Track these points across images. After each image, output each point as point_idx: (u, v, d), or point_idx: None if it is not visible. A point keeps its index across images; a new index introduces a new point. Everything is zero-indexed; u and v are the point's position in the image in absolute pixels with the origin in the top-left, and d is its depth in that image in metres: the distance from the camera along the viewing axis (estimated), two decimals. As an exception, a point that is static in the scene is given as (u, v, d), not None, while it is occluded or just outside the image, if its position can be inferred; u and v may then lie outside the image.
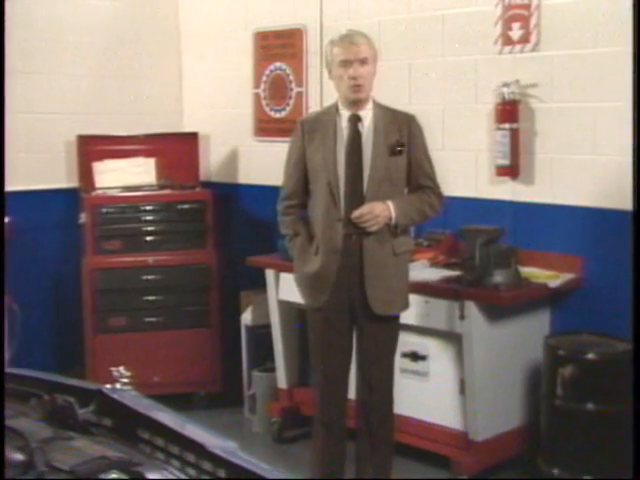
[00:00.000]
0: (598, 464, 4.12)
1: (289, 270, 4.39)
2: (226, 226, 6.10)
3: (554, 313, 4.63)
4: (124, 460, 1.78)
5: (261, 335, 5.42)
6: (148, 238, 5.62)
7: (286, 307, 5.08)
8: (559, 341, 4.28)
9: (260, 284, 5.23)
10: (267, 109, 6.01)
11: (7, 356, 4.98)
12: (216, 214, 5.76)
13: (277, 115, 5.95)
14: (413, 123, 3.89)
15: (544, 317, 4.63)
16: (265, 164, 5.91)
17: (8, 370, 2.32)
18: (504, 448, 4.50)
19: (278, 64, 5.90)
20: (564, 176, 4.57)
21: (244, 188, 6.25)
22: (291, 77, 5.82)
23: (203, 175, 6.23)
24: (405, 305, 3.96)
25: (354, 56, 3.74)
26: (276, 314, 5.16)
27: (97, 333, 5.55)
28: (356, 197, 3.78)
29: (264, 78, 6.01)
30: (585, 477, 4.11)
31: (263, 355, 5.43)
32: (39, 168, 5.86)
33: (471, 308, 4.27)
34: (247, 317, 5.52)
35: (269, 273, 5.13)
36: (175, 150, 6.04)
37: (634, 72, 4.00)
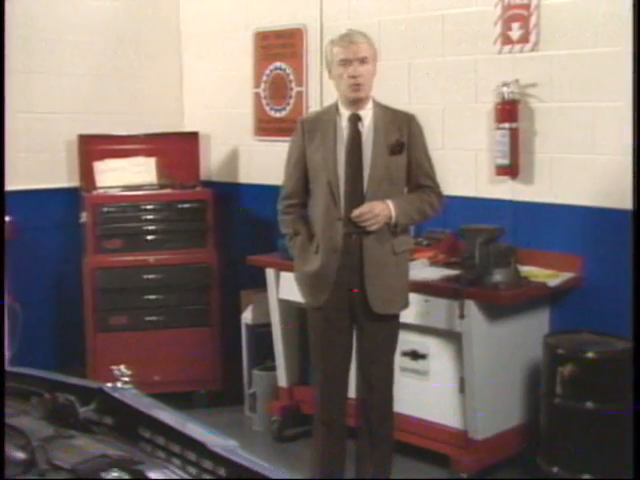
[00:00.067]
0: (597, 463, 4.13)
1: (289, 269, 4.40)
2: (226, 225, 6.10)
3: (553, 312, 4.64)
4: (125, 458, 1.79)
5: (261, 334, 5.42)
6: (149, 237, 5.63)
7: (286, 306, 5.09)
8: (558, 340, 4.29)
9: (260, 283, 5.24)
10: (267, 109, 6.02)
11: (8, 355, 5.00)
12: (216, 213, 5.77)
13: (277, 115, 5.96)
14: (413, 123, 3.89)
15: (543, 316, 4.63)
16: (265, 163, 5.92)
17: (9, 369, 2.33)
18: (504, 447, 4.51)
19: (278, 64, 5.91)
20: (563, 175, 4.58)
21: (244, 187, 6.26)
22: (291, 77, 5.83)
23: (203, 174, 6.23)
24: (405, 304, 3.97)
25: (354, 55, 3.75)
26: (276, 313, 5.17)
27: (98, 332, 5.56)
28: (356, 196, 3.78)
29: (264, 78, 6.01)
30: (584, 476, 4.12)
31: (263, 354, 5.43)
32: (39, 167, 5.87)
33: (471, 307, 4.27)
34: (247, 316, 5.53)
35: (269, 272, 5.13)
36: (176, 149, 6.06)
37: (634, 72, 4.00)
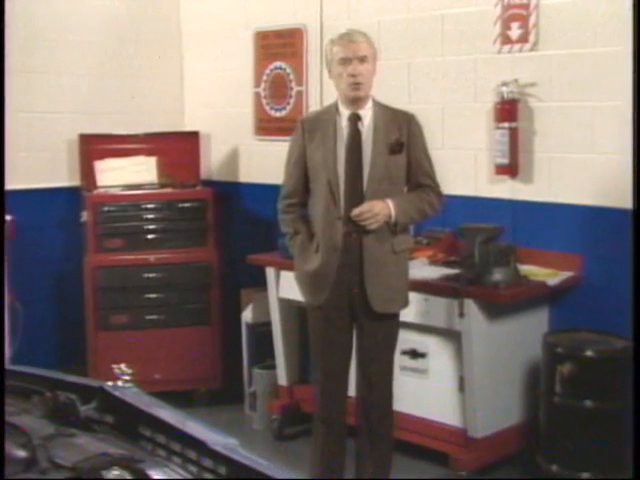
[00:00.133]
0: (596, 461, 4.14)
1: (289, 268, 4.41)
2: (227, 224, 6.11)
3: (553, 311, 4.65)
4: (126, 457, 1.79)
5: (261, 333, 5.43)
6: (149, 236, 5.64)
7: (286, 305, 5.10)
8: (558, 339, 4.30)
9: (260, 282, 5.25)
10: (267, 108, 6.03)
11: (10, 353, 5.01)
12: (217, 212, 5.78)
13: (277, 114, 5.96)
14: (413, 122, 3.90)
15: (543, 315, 4.64)
16: (265, 163, 5.93)
17: (11, 367, 2.34)
18: (503, 445, 4.52)
19: (278, 63, 5.91)
20: (563, 175, 4.59)
21: (245, 187, 6.27)
22: (291, 76, 5.84)
23: (204, 174, 6.24)
24: (405, 303, 3.98)
25: (353, 54, 3.76)
26: (276, 312, 5.18)
27: (99, 331, 5.57)
28: (356, 195, 3.79)
29: (264, 77, 6.02)
30: (583, 474, 4.13)
31: (263, 352, 5.44)
32: (39, 167, 5.87)
33: (470, 306, 4.28)
34: (247, 315, 5.54)
35: (269, 271, 5.15)
36: (176, 149, 6.06)
37: (634, 72, 4.01)
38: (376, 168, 3.79)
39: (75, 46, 6.00)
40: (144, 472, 1.74)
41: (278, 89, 5.94)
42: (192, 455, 1.80)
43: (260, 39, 6.01)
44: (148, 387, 2.16)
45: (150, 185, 5.85)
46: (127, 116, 6.18)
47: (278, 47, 5.89)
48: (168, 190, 5.83)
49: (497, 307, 4.39)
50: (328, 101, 4.44)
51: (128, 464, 1.75)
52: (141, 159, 5.93)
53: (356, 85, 3.77)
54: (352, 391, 4.10)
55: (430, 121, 4.38)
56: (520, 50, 4.66)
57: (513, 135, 4.62)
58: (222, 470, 1.74)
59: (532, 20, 4.59)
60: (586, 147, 4.48)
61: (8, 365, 2.38)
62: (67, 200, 5.92)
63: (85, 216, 5.59)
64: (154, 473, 1.74)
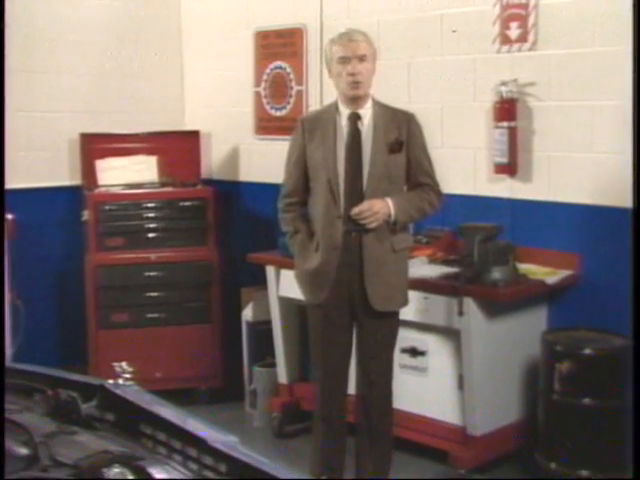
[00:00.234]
0: (595, 458, 4.15)
1: (289, 267, 4.42)
2: (227, 223, 6.13)
3: (551, 309, 4.66)
4: (127, 454, 1.80)
5: (262, 331, 5.44)
6: (150, 235, 5.65)
7: (286, 303, 5.12)
8: (556, 337, 4.31)
9: (261, 281, 5.26)
10: (268, 107, 6.04)
11: (11, 351, 5.03)
12: (217, 211, 5.80)
13: (277, 113, 5.98)
14: (412, 121, 3.91)
15: (541, 313, 4.65)
16: (266, 162, 5.94)
17: (13, 365, 2.35)
18: (502, 443, 4.53)
19: (278, 63, 5.92)
20: (561, 174, 4.60)
21: (245, 186, 6.28)
22: (291, 76, 5.85)
23: (204, 173, 6.25)
24: (404, 301, 3.99)
25: (352, 53, 3.77)
26: (276, 310, 5.19)
27: (100, 329, 5.59)
28: (356, 194, 3.81)
29: (265, 77, 6.03)
30: (582, 471, 4.14)
31: (264, 351, 5.44)
32: (40, 166, 5.87)
33: (470, 304, 4.30)
34: (248, 313, 5.55)
35: (270, 270, 5.16)
36: (177, 148, 6.07)
37: (634, 72, 4.01)
38: (376, 167, 3.80)
39: (75, 46, 6.00)
40: (145, 470, 1.75)
41: (278, 88, 5.95)
42: (193, 453, 1.81)
43: (260, 39, 6.02)
44: (149, 385, 2.17)
45: (151, 184, 5.86)
46: (128, 115, 6.18)
47: (278, 47, 5.90)
48: (169, 189, 5.84)
49: (496, 305, 4.40)
50: (328, 100, 4.46)
51: (129, 462, 1.76)
52: (142, 158, 5.94)
53: (355, 84, 3.78)
54: (352, 389, 4.11)
55: (429, 120, 4.38)
56: (519, 50, 4.67)
57: (512, 134, 4.63)
58: (222, 468, 1.75)
59: (531, 20, 4.60)
60: (585, 146, 4.49)
61: (10, 363, 2.40)
62: (68, 199, 5.93)
63: (86, 215, 5.60)
64: (155, 471, 1.76)
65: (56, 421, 2.02)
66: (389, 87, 4.67)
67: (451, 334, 4.47)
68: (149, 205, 5.68)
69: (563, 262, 4.56)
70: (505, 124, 4.63)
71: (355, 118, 3.85)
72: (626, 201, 3.94)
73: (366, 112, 3.86)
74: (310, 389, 4.53)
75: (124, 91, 6.21)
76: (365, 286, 3.82)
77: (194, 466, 1.80)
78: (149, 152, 5.98)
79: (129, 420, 2.01)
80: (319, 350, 4.01)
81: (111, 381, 2.13)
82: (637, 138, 3.70)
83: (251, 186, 6.18)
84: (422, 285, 4.42)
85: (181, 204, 5.73)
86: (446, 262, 4.73)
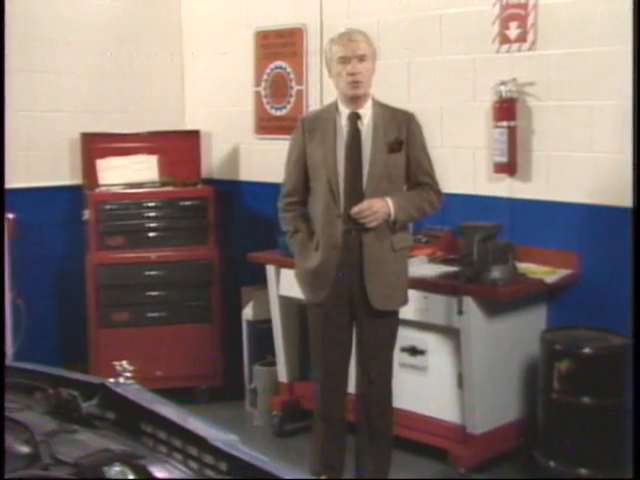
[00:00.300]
0: (594, 457, 4.16)
1: (289, 266, 4.43)
2: (227, 223, 6.13)
3: (551, 308, 4.67)
4: (127, 453, 1.81)
5: (262, 330, 5.44)
6: (151, 234, 5.66)
7: (286, 302, 5.12)
8: (556, 336, 4.32)
9: (261, 280, 5.27)
10: (268, 107, 6.04)
11: (12, 350, 5.04)
12: (217, 211, 5.81)
13: (278, 113, 5.98)
14: (412, 121, 3.92)
15: (541, 312, 4.66)
16: (266, 161, 5.94)
17: (14, 364, 2.36)
18: (501, 441, 4.54)
19: (279, 63, 5.93)
20: (561, 173, 4.61)
21: (245, 185, 6.28)
22: (291, 75, 5.85)
23: (205, 172, 6.26)
24: (404, 300, 4.00)
25: (352, 53, 3.78)
26: (277, 309, 5.20)
27: (100, 328, 5.59)
28: (355, 194, 3.81)
29: (265, 76, 6.04)
30: (581, 470, 4.14)
31: (264, 349, 5.45)
32: (41, 165, 5.87)
33: (469, 303, 4.30)
34: (248, 312, 5.55)
35: (270, 269, 5.16)
36: (177, 147, 6.08)
37: (634, 71, 4.02)
38: (375, 166, 3.81)
39: (76, 45, 5.99)
40: (145, 468, 1.76)
41: (278, 88, 5.95)
42: (193, 451, 1.82)
43: (260, 39, 6.03)
44: (149, 384, 2.18)
45: (151, 183, 5.87)
46: (128, 115, 6.18)
47: (278, 47, 5.91)
48: (169, 188, 5.85)
49: (496, 304, 4.41)
50: (328, 100, 4.46)
51: (129, 460, 1.77)
52: (142, 158, 5.94)
53: (355, 83, 3.79)
54: (352, 388, 4.12)
55: (429, 120, 4.39)
56: (518, 49, 4.67)
57: (512, 134, 4.64)
58: (223, 466, 1.76)
59: (530, 20, 4.60)
60: (584, 146, 4.50)
61: (11, 362, 2.40)
62: (69, 198, 5.93)
63: (87, 214, 5.61)
64: (155, 469, 1.77)
65: (57, 420, 2.03)
66: (389, 87, 4.68)
67: (451, 333, 4.47)
68: (149, 204, 5.69)
69: (562, 261, 4.57)
70: (504, 124, 4.64)
71: (355, 118, 3.86)
72: (626, 201, 3.96)
73: (366, 112, 3.87)
74: (310, 388, 4.53)
75: (124, 91, 6.21)
76: (365, 285, 3.83)
77: (194, 465, 1.81)
78: (149, 152, 5.99)
79: (130, 419, 2.01)
80: (319, 349, 4.02)
81: (112, 380, 2.14)
82: (637, 138, 3.71)
83: (251, 185, 6.19)
84: (422, 284, 4.42)
85: (181, 203, 5.73)
86: (446, 261, 4.74)
